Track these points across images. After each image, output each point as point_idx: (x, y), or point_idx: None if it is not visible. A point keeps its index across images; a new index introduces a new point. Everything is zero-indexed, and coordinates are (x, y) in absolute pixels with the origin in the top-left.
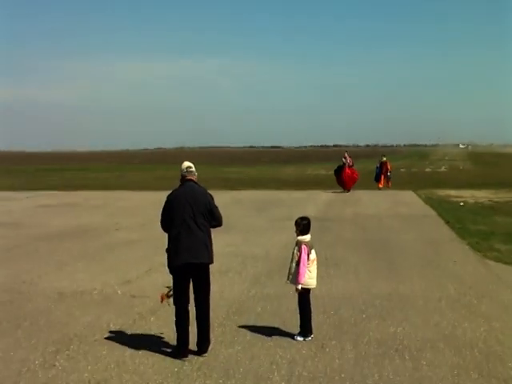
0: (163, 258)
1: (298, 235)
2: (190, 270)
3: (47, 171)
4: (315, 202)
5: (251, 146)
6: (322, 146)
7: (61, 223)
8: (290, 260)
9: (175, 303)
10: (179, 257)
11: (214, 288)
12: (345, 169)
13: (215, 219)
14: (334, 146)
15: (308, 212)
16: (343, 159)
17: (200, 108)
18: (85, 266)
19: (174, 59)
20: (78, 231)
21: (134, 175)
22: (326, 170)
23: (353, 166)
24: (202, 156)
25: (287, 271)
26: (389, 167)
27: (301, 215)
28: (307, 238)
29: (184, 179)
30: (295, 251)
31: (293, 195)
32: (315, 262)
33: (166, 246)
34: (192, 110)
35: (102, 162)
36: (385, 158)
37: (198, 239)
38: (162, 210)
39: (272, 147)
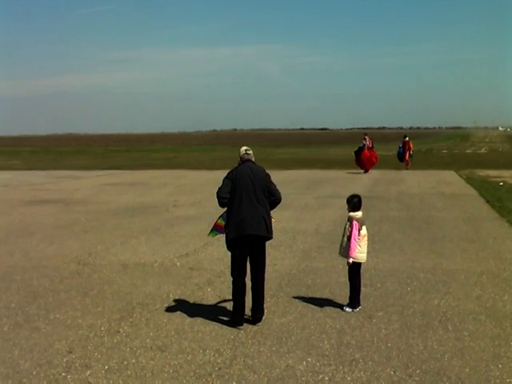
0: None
1: (349, 211)
2: (248, 241)
3: (115, 152)
4: (361, 182)
5: (301, 129)
6: (367, 128)
7: (125, 200)
8: (341, 235)
9: (233, 275)
10: (239, 228)
11: (267, 261)
12: (364, 150)
13: (274, 194)
14: (379, 128)
15: (355, 190)
16: (363, 141)
17: (251, 92)
18: (146, 240)
19: (229, 45)
20: (141, 208)
21: (192, 155)
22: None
23: (373, 147)
24: (254, 138)
25: (339, 246)
26: (411, 146)
27: (350, 193)
28: (359, 214)
29: (243, 160)
30: (347, 226)
31: (340, 174)
32: (366, 238)
33: (224, 222)
34: (244, 94)
35: (162, 143)
36: (407, 138)
37: (258, 213)
38: (221, 184)
39: (320, 129)
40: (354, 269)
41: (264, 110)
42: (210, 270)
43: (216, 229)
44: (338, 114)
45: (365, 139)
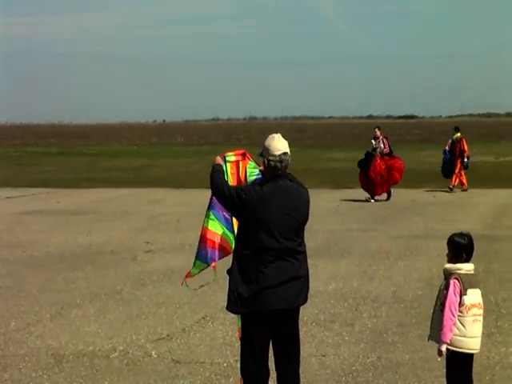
0: (225, 296)
1: (448, 261)
2: (275, 318)
3: (39, 156)
4: (475, 210)
5: (369, 116)
6: (493, 115)
7: (61, 241)
8: (434, 304)
9: (245, 372)
10: (261, 299)
11: (310, 350)
12: (375, 160)
13: None
14: (509, 114)
15: (463, 226)
16: (373, 141)
17: (280, 52)
18: (98, 312)
19: None
20: (87, 254)
21: (177, 163)
22: (495, 156)
23: (391, 153)
24: (287, 132)
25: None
26: (465, 148)
27: (456, 230)
28: (464, 267)
29: (275, 173)
30: (441, 288)
31: (439, 197)
32: (477, 310)
33: (230, 268)
34: (268, 54)
35: (124, 140)
36: (459, 134)
37: (293, 272)
38: (230, 202)
39: (402, 117)
40: (456, 364)
41: (303, 82)
42: (211, 365)
43: (203, 254)
44: (433, 93)
45: (376, 137)
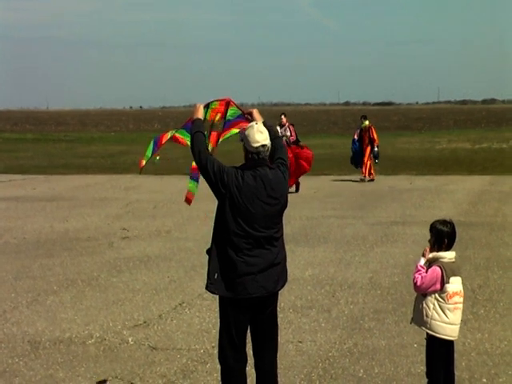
0: (202, 283)
1: (431, 247)
2: (253, 305)
3: (14, 142)
4: (454, 196)
5: (346, 103)
6: (485, 101)
7: (37, 228)
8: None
9: (223, 358)
10: (240, 286)
11: (287, 336)
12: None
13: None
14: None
15: (440, 213)
16: (278, 128)
17: (261, 41)
18: (74, 298)
19: None
20: (64, 240)
21: None
22: (471, 143)
23: (299, 142)
24: (266, 118)
25: (412, 309)
26: (374, 137)
27: (434, 217)
28: (447, 256)
29: (254, 162)
30: (423, 274)
31: (417, 183)
32: (458, 298)
33: (209, 248)
34: (248, 42)
35: (100, 126)
36: (367, 122)
37: (271, 259)
38: (211, 178)
39: (382, 104)
40: (435, 349)
41: (283, 71)
42: (187, 351)
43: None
44: (410, 81)
45: (282, 124)
